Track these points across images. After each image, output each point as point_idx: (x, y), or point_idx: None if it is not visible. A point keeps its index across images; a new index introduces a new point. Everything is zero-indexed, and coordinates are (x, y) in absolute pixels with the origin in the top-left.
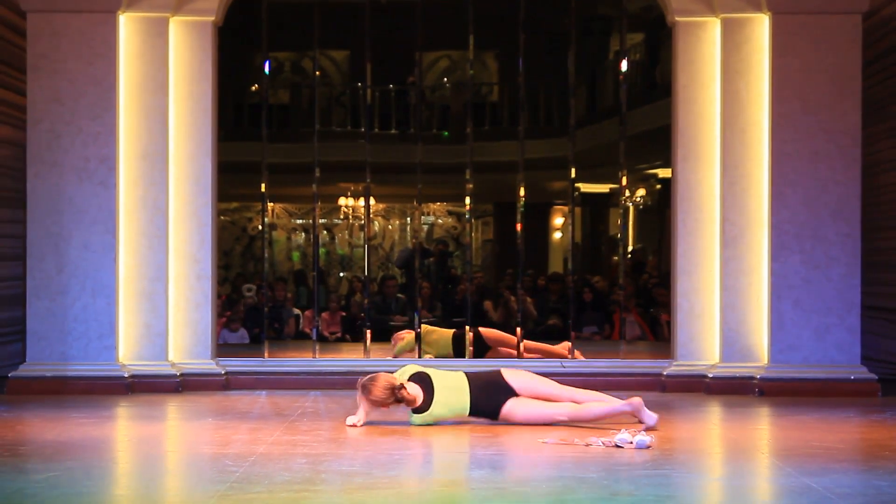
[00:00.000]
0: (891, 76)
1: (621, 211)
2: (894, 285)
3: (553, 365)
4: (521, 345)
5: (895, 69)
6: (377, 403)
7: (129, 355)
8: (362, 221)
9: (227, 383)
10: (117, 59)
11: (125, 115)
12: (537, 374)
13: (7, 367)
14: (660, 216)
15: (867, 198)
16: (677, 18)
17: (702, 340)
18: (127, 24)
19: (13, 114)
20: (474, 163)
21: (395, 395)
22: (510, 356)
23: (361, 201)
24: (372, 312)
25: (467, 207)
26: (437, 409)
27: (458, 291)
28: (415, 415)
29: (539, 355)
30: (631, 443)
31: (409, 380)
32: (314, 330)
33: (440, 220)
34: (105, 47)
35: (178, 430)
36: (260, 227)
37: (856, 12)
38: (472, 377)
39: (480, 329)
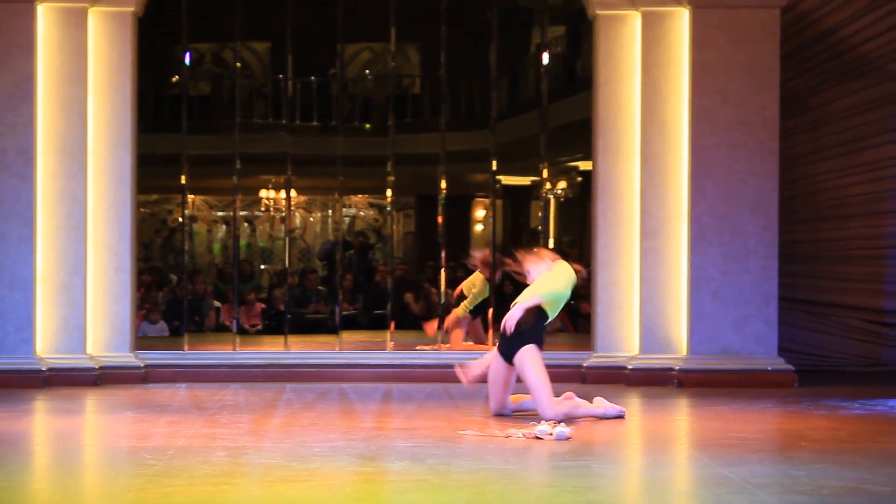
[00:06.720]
0: (808, 70)
1: (542, 203)
2: (811, 277)
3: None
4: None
5: (813, 63)
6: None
7: (46, 348)
8: (283, 214)
9: (146, 376)
10: (35, 50)
11: (43, 106)
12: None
13: None
14: (581, 209)
15: (785, 191)
16: (598, 11)
17: (621, 332)
18: (45, 15)
19: None
20: (396, 155)
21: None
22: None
23: (282, 193)
24: (292, 305)
25: (389, 200)
26: None
27: (379, 284)
28: None
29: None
30: (551, 434)
31: None
32: (234, 322)
33: (362, 213)
34: (23, 38)
35: (96, 423)
36: (180, 220)
37: (774, 7)
38: None
39: None
